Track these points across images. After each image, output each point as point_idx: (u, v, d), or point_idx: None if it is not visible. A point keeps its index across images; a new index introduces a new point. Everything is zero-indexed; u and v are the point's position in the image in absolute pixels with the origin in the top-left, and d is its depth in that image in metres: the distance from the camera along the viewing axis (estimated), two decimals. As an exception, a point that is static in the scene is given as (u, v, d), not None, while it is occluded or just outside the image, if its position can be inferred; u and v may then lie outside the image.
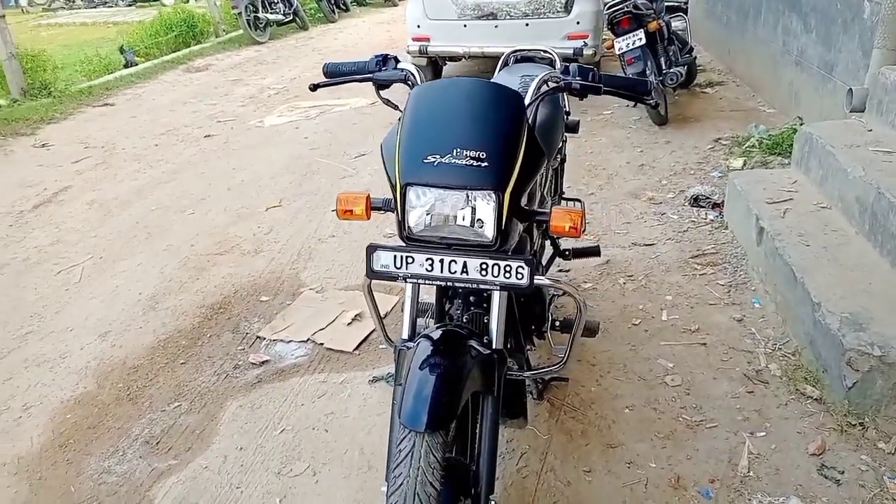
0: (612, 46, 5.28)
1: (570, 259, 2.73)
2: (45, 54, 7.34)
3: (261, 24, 10.39)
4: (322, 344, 2.95)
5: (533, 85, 1.80)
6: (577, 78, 1.75)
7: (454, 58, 6.86)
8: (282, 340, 3.00)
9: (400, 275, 1.53)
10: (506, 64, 2.89)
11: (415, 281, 1.54)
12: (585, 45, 6.16)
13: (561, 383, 2.56)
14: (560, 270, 3.39)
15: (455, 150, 1.45)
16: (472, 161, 1.44)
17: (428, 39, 6.65)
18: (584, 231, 1.56)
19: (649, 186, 4.42)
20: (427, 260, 1.51)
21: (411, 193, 1.48)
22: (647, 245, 3.64)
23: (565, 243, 2.87)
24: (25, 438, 2.48)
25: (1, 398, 2.71)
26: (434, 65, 6.91)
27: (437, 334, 1.60)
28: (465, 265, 1.50)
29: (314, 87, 1.94)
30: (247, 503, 2.16)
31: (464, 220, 1.47)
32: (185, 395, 2.69)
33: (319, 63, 9.01)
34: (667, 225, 3.87)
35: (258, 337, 3.04)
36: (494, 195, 1.44)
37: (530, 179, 1.56)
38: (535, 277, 1.78)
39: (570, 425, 2.39)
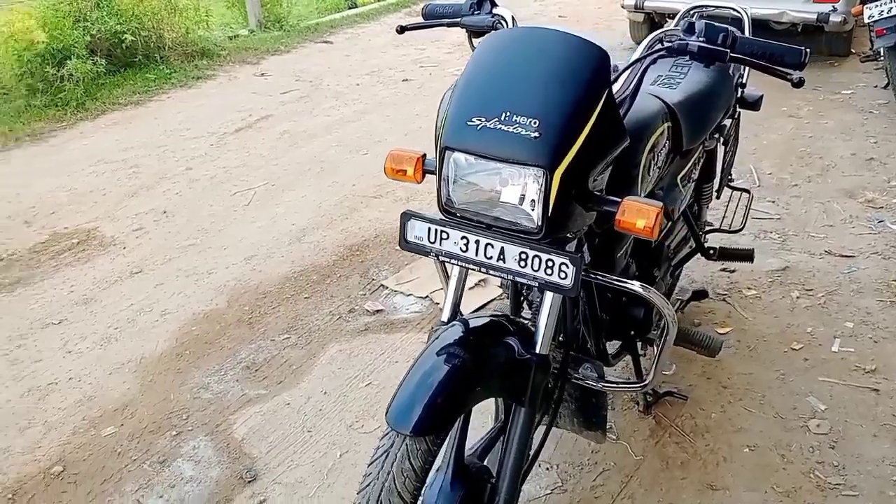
0: (861, 13, 4.40)
1: (714, 259, 2.32)
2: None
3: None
4: (438, 304, 2.84)
5: (642, 45, 1.47)
6: (700, 39, 1.39)
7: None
8: (402, 293, 2.94)
9: (432, 251, 1.34)
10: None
11: (447, 260, 1.34)
12: (834, 9, 5.25)
13: (676, 400, 2.21)
14: (724, 270, 2.94)
15: (504, 114, 1.21)
16: (521, 129, 1.19)
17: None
18: (660, 233, 1.25)
19: (871, 186, 3.67)
20: (462, 238, 1.30)
21: (450, 159, 1.27)
22: (842, 256, 3.02)
23: (713, 239, 2.46)
24: (153, 342, 2.69)
25: (148, 301, 2.96)
26: (652, 23, 6.32)
27: (471, 322, 1.40)
28: (502, 251, 1.27)
29: (401, 30, 1.77)
30: (311, 448, 2.14)
31: (510, 198, 1.24)
32: (296, 328, 2.74)
33: (540, 12, 8.75)
34: (879, 236, 3.18)
35: (382, 285, 3.01)
36: (542, 173, 1.18)
37: (600, 159, 1.27)
38: (601, 276, 1.50)
39: (670, 451, 2.06)
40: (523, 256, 1.26)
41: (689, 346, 2.03)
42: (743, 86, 2.35)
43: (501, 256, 1.28)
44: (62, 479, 2.07)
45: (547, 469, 2.02)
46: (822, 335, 2.53)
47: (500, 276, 1.31)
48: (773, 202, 3.57)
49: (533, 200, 1.21)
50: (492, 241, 1.27)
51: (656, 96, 1.84)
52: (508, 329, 1.40)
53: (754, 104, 2.40)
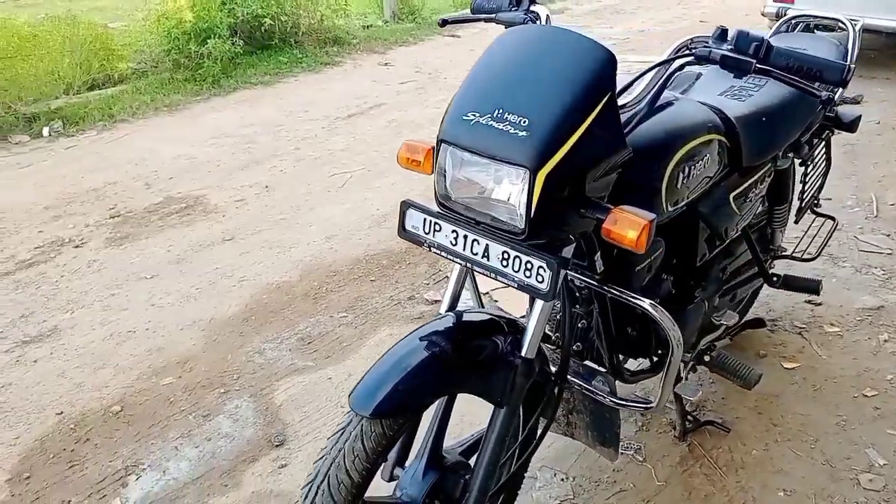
0: None
1: (777, 287, 2.15)
2: (419, -18, 8.08)
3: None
4: (496, 302, 2.84)
5: (669, 49, 1.40)
6: (726, 47, 1.30)
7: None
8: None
9: (426, 241, 1.35)
10: (778, 32, 2.33)
11: (438, 252, 1.35)
12: None
13: (718, 431, 2.09)
14: (808, 302, 2.72)
15: (497, 111, 1.19)
16: (510, 127, 1.17)
17: (792, 0, 5.70)
18: (648, 246, 1.19)
19: None
20: (453, 232, 1.31)
21: (445, 152, 1.28)
22: (953, 303, 2.71)
23: (787, 267, 2.29)
24: (226, 305, 2.88)
25: (231, 267, 3.17)
26: (793, 33, 5.89)
27: (465, 316, 1.41)
28: (486, 249, 1.27)
29: (443, 23, 1.77)
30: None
31: (500, 195, 1.23)
32: (356, 308, 2.84)
33: (682, 15, 8.41)
34: None
35: (446, 276, 3.04)
36: (525, 173, 1.16)
37: (595, 164, 1.22)
38: (608, 288, 1.45)
39: (697, 482, 1.95)
40: (506, 256, 1.25)
41: (724, 375, 1.91)
42: (831, 101, 2.17)
43: (486, 254, 1.27)
44: (118, 418, 2.28)
45: (562, 480, 1.97)
46: (904, 385, 2.29)
47: (483, 274, 1.30)
48: (888, 236, 3.25)
49: (513, 200, 1.19)
50: (478, 238, 1.27)
51: (713, 107, 1.74)
52: (501, 328, 1.40)
53: (850, 125, 2.21)
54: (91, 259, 3.26)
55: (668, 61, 1.41)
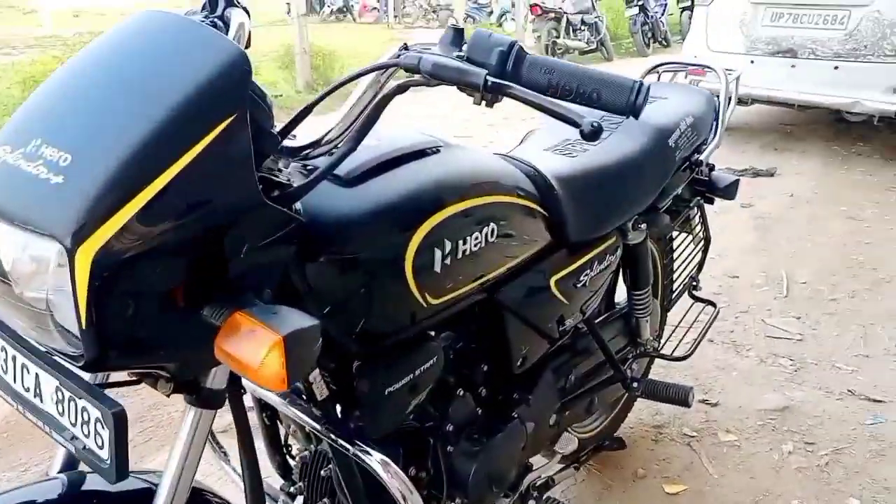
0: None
1: (637, 395, 1.67)
2: (336, 54, 7.82)
3: (559, 50, 9.98)
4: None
5: (382, 58, 0.96)
6: (455, 54, 0.87)
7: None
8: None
9: None
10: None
11: None
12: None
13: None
14: (704, 402, 2.26)
15: (34, 142, 0.71)
16: (43, 168, 0.69)
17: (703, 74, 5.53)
18: (290, 382, 0.70)
19: (933, 312, 2.89)
20: (2, 349, 0.81)
21: None
22: (869, 400, 2.28)
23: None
24: None
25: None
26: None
27: (84, 481, 0.90)
28: (38, 382, 0.78)
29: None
30: None
31: (30, 287, 0.72)
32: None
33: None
34: (928, 378, 2.42)
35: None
36: (60, 247, 0.68)
37: (209, 232, 0.74)
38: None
39: None
40: (60, 396, 0.76)
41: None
42: (708, 166, 1.78)
43: (38, 391, 0.77)
44: None
45: None
46: (811, 514, 1.82)
47: (42, 429, 0.80)
48: (799, 318, 2.86)
49: (54, 297, 0.70)
50: (28, 362, 0.78)
51: (526, 163, 1.31)
52: None
53: (726, 191, 1.81)
54: None
55: (360, 74, 0.97)
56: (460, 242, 1.07)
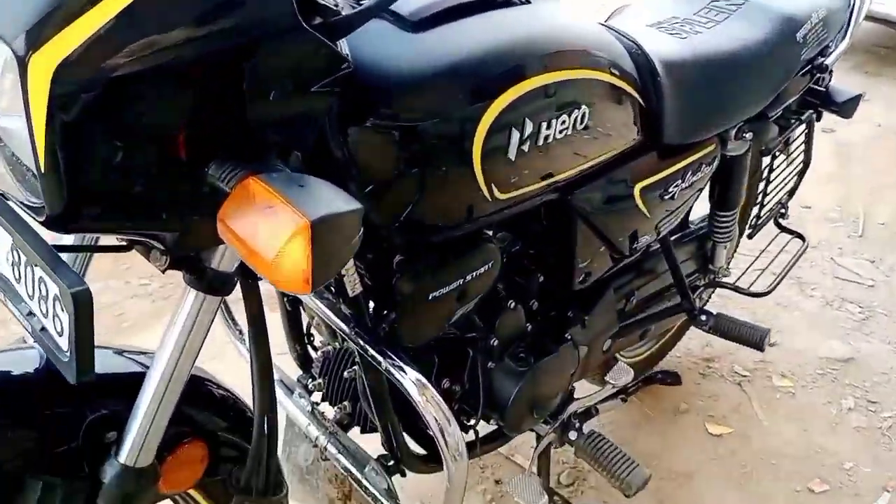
0: None
1: (705, 329, 1.45)
2: None
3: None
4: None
5: None
6: None
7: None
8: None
9: None
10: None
11: None
12: None
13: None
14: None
15: None
16: None
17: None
18: (315, 285, 0.51)
19: None
20: None
21: None
22: None
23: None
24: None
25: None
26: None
27: None
28: None
29: None
30: None
31: None
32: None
33: None
34: None
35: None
36: (9, 52, 0.48)
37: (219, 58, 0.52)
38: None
39: None
40: (16, 258, 0.58)
41: (594, 467, 1.24)
42: (828, 71, 1.48)
43: None
44: None
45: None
46: (867, 479, 1.65)
47: None
48: (872, 262, 2.59)
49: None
50: None
51: (628, 37, 1.06)
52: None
53: (843, 107, 1.52)
54: None
55: None
56: (543, 125, 0.85)
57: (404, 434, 0.99)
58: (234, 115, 0.54)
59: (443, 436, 0.80)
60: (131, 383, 0.70)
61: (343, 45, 0.68)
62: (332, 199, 0.51)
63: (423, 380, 0.80)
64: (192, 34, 0.49)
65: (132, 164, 0.51)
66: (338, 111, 0.67)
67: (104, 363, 0.74)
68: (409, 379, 0.79)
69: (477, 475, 1.56)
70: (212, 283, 0.67)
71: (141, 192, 0.53)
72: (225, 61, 0.52)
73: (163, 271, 0.63)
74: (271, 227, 0.49)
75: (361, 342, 0.82)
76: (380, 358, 0.80)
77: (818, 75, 1.44)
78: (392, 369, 0.80)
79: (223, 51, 0.51)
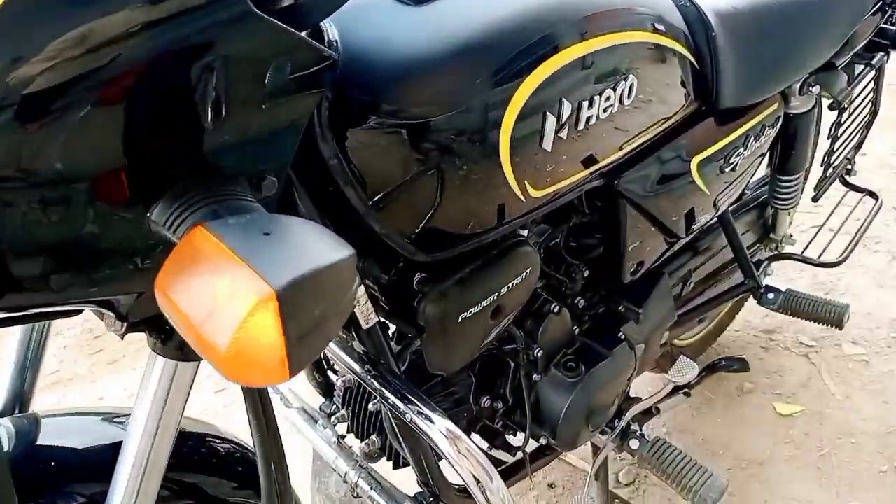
0: None
1: (772, 308, 1.30)
2: None
3: None
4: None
5: None
6: None
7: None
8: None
9: None
10: None
11: None
12: None
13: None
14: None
15: None
16: None
17: None
18: (293, 372, 0.37)
19: None
20: None
21: None
22: None
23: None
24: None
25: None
26: None
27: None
28: None
29: None
30: None
31: None
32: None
33: None
34: None
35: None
36: None
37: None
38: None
39: None
40: None
41: (661, 478, 1.11)
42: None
43: None
44: None
45: None
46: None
47: None
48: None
49: None
50: None
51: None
52: None
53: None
54: None
55: None
56: (584, 105, 0.70)
57: (439, 465, 0.88)
58: (182, 139, 0.41)
59: (483, 494, 0.68)
60: (112, 459, 0.59)
61: (330, 30, 0.55)
62: (309, 249, 0.38)
63: (455, 429, 0.67)
64: (103, 33, 0.36)
65: (56, 215, 0.39)
66: (328, 112, 0.54)
67: (76, 434, 0.63)
68: (438, 430, 0.66)
69: (527, 480, 1.45)
70: (183, 347, 0.54)
71: (73, 251, 0.41)
72: (161, 68, 0.39)
73: (121, 336, 0.52)
74: (223, 298, 0.35)
75: (378, 386, 0.70)
76: (402, 406, 0.68)
77: (890, 12, 1.26)
78: (417, 419, 0.67)
79: (156, 53, 0.38)
